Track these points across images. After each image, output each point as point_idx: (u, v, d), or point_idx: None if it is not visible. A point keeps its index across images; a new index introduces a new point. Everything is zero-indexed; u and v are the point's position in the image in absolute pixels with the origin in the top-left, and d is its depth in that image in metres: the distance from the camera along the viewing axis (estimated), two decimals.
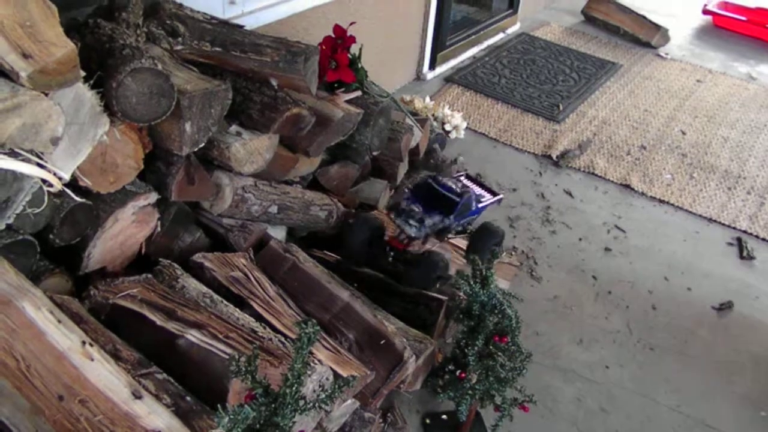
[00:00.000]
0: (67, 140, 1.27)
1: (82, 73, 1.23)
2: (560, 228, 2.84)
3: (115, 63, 1.29)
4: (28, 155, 1.18)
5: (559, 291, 2.50)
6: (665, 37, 4.75)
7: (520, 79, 4.05)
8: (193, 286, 1.47)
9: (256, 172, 1.80)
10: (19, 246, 1.38)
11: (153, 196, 1.60)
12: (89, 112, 1.29)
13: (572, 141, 3.46)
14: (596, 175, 3.22)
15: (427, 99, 3.41)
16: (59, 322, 1.06)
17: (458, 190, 2.06)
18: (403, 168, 2.71)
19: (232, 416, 0.76)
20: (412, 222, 1.95)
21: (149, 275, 1.47)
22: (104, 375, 1.01)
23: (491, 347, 1.62)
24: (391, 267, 2.05)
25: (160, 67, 1.31)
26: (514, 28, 4.73)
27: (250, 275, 1.61)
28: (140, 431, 0.96)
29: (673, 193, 3.10)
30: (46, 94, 1.18)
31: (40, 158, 1.22)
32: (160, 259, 1.56)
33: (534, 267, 2.60)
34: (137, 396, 1.01)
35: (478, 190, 2.49)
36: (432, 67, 3.93)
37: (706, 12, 5.22)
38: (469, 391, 1.67)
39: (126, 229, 1.58)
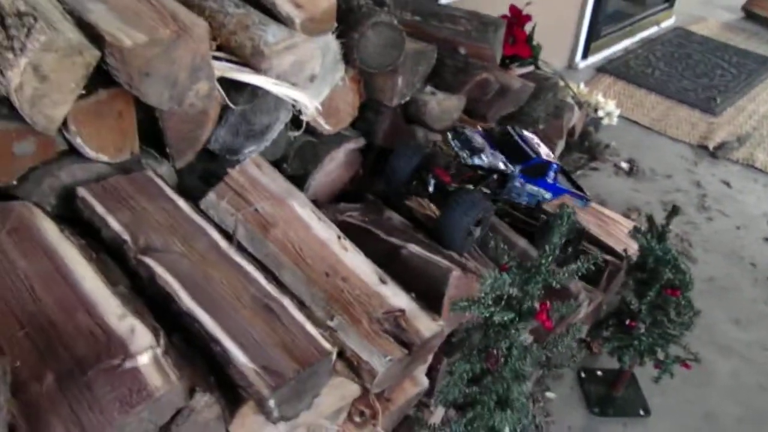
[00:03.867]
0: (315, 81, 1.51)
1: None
2: (716, 215, 2.83)
3: (356, 18, 1.53)
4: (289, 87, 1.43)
5: (715, 273, 2.52)
6: None
7: (674, 72, 4.01)
8: (396, 217, 1.69)
9: (443, 129, 2.00)
10: None
11: (361, 141, 1.84)
12: (332, 59, 1.54)
13: (730, 134, 3.40)
14: (756, 168, 3.16)
15: (582, 85, 3.48)
16: (319, 219, 1.30)
17: (539, 150, 1.80)
18: (560, 146, 2.82)
19: (492, 280, 0.95)
20: (467, 149, 1.67)
21: (361, 204, 1.70)
22: (357, 262, 1.24)
23: (661, 301, 1.72)
24: (428, 199, 1.76)
25: (395, 21, 1.54)
26: (668, 22, 4.66)
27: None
28: (388, 307, 1.17)
29: None
30: None
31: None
32: (368, 195, 1.79)
33: (689, 249, 2.62)
34: (383, 281, 1.22)
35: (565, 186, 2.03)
36: (585, 56, 3.98)
37: None
38: (635, 341, 1.77)
39: (337, 168, 1.83)
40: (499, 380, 1.00)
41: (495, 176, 1.73)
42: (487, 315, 0.95)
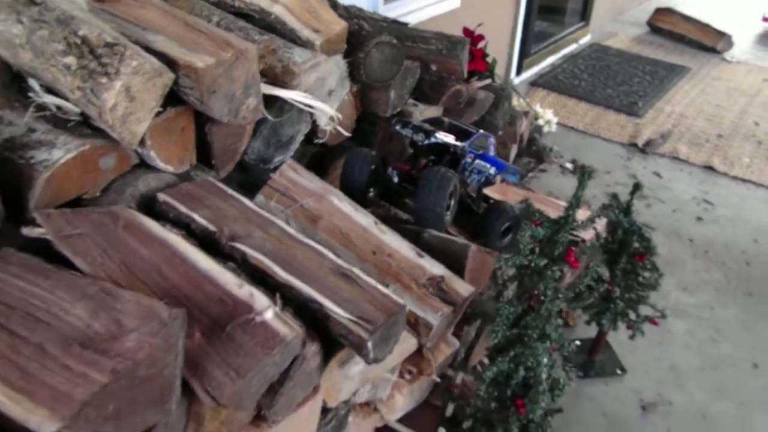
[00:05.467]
0: None
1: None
2: (654, 202, 3.21)
3: (359, 40, 1.76)
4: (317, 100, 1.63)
5: (661, 251, 2.82)
6: (729, 42, 5.10)
7: (598, 82, 4.46)
8: (399, 211, 1.91)
9: None
10: None
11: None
12: (341, 76, 1.76)
13: (654, 132, 3.83)
14: (680, 159, 3.58)
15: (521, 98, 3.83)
16: (356, 209, 1.51)
17: (472, 129, 1.89)
18: (514, 149, 3.13)
19: (530, 231, 1.17)
20: (420, 133, 1.76)
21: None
22: (396, 241, 1.44)
23: (631, 267, 2.01)
24: (398, 191, 1.80)
25: (394, 41, 1.77)
26: (586, 39, 5.15)
27: None
28: (430, 274, 1.38)
29: (753, 173, 3.44)
30: None
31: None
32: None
33: None
34: (421, 255, 1.43)
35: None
36: (519, 72, 4.37)
37: (766, 20, 5.56)
38: (611, 305, 2.05)
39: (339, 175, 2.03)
40: (539, 317, 1.23)
41: (447, 157, 1.82)
42: (527, 262, 1.19)
